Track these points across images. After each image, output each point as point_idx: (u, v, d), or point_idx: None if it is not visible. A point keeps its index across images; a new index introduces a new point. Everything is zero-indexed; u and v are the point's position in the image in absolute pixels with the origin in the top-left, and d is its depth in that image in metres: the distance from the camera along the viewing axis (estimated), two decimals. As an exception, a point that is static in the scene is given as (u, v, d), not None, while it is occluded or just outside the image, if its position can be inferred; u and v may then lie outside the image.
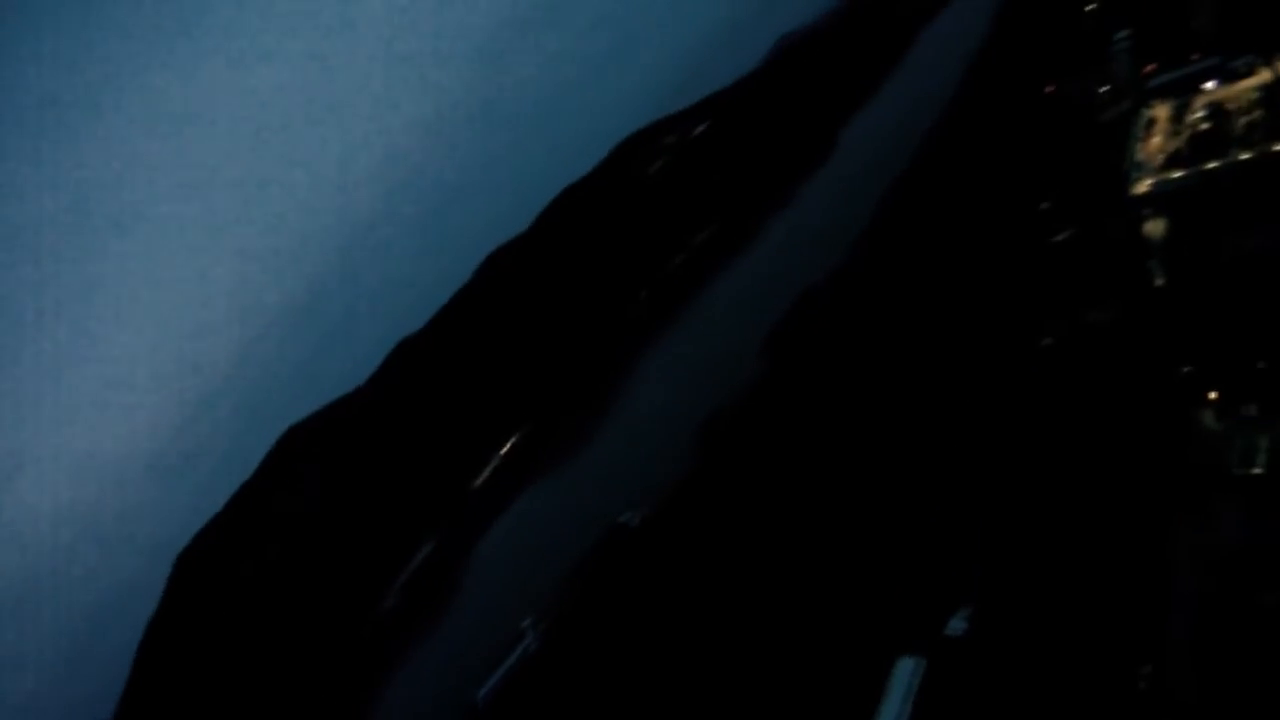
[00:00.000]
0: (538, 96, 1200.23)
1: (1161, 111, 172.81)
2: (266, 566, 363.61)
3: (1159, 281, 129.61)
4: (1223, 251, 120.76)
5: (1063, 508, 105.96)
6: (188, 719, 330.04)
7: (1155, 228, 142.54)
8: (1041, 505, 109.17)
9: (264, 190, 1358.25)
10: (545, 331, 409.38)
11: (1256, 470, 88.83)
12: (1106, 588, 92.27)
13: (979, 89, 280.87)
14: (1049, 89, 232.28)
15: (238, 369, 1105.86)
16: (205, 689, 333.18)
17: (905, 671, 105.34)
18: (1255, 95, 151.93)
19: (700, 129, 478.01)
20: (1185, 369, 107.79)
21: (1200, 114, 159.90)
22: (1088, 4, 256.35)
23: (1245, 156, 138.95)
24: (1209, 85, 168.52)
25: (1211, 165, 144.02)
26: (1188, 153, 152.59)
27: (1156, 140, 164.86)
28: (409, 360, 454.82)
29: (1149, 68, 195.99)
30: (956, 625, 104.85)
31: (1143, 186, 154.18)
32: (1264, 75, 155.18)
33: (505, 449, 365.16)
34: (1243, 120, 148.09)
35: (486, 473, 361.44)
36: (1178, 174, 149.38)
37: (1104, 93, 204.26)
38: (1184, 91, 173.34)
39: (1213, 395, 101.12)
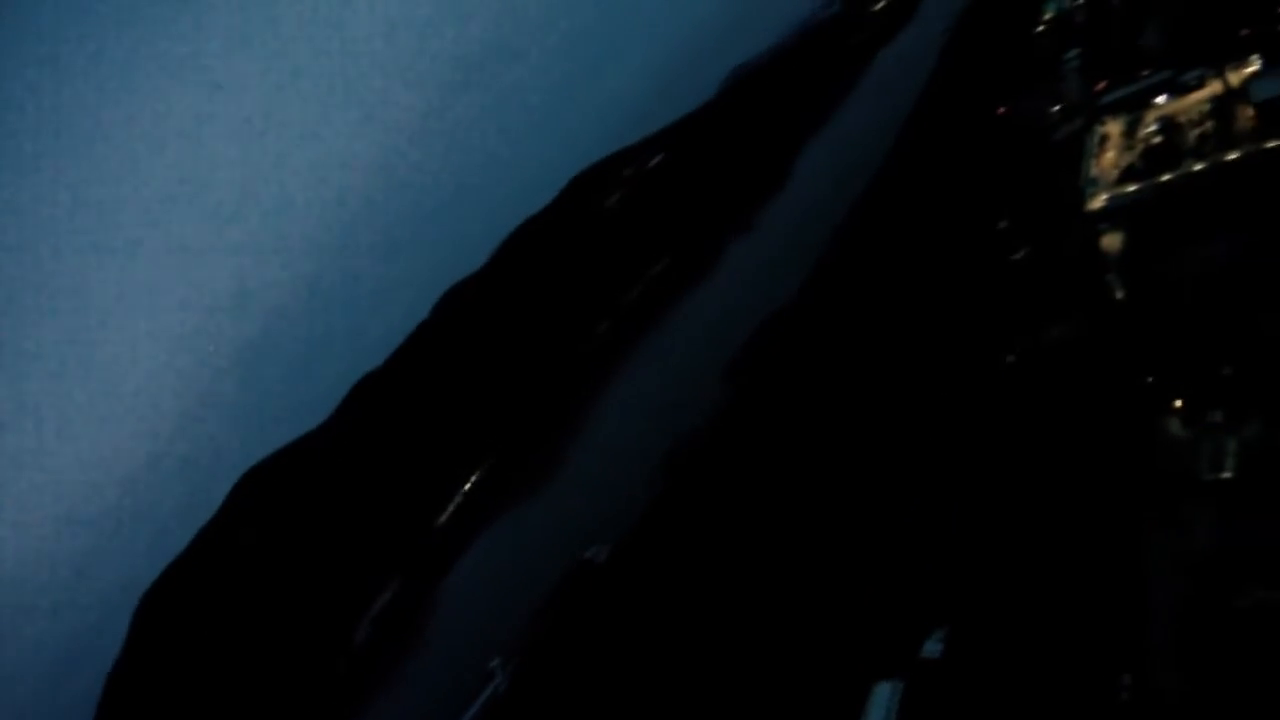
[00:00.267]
0: (492, 132, 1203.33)
1: (1114, 127, 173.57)
2: (229, 610, 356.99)
3: (1118, 294, 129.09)
4: (1181, 261, 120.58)
5: (1033, 523, 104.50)
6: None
7: (1112, 242, 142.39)
8: (1012, 522, 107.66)
9: (217, 229, 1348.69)
10: (505, 366, 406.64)
11: (1226, 475, 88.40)
12: (1081, 600, 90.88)
13: (932, 113, 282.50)
14: (1002, 110, 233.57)
15: (195, 410, 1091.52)
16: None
17: (883, 696, 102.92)
18: (1206, 107, 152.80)
19: (656, 161, 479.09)
20: (1149, 379, 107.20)
21: (1152, 128, 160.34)
22: (1038, 25, 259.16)
23: (1198, 167, 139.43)
24: (1160, 100, 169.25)
25: (1165, 178, 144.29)
26: (1141, 166, 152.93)
27: (1110, 156, 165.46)
28: (369, 398, 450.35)
29: (1100, 85, 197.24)
30: (932, 647, 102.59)
31: (1098, 202, 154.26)
32: (1214, 87, 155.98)
33: (468, 485, 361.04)
34: (1195, 132, 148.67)
35: (450, 510, 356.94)
36: (1132, 188, 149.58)
37: (1056, 112, 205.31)
38: (1136, 107, 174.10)
39: (1178, 403, 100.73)
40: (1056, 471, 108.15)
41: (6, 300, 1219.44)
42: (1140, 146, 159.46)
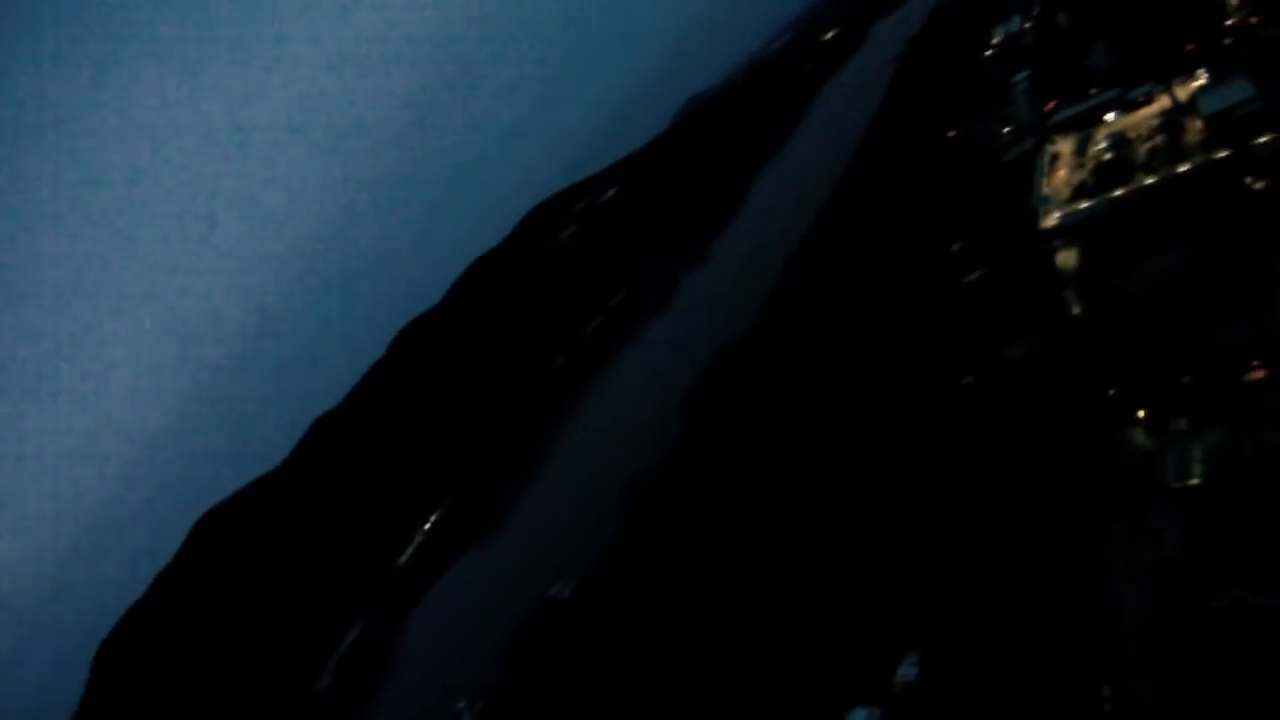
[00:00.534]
0: (446, 168, 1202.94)
1: (1065, 146, 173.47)
2: (190, 656, 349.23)
3: (1075, 310, 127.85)
4: (1136, 274, 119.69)
5: (1002, 542, 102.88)
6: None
7: (1067, 258, 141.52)
8: (981, 542, 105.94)
9: (174, 270, 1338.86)
10: (464, 403, 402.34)
11: (1193, 481, 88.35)
12: (1055, 614, 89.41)
13: (884, 138, 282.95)
14: (953, 133, 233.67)
15: (152, 451, 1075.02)
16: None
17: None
18: (1155, 122, 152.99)
19: (610, 194, 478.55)
20: (1111, 392, 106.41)
21: (1103, 145, 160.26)
22: (987, 49, 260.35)
23: (1150, 181, 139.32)
24: (1110, 117, 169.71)
25: (1118, 193, 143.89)
26: (1093, 183, 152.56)
27: (1062, 174, 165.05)
28: (327, 437, 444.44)
29: (1050, 105, 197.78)
30: (906, 671, 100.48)
31: (1051, 220, 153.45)
32: (1162, 102, 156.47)
33: (429, 524, 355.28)
34: (1145, 147, 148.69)
35: (411, 549, 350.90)
36: (1085, 204, 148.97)
37: (1007, 133, 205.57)
38: (1086, 125, 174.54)
39: (1141, 414, 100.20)
40: (1023, 486, 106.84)
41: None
42: (1091, 163, 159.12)
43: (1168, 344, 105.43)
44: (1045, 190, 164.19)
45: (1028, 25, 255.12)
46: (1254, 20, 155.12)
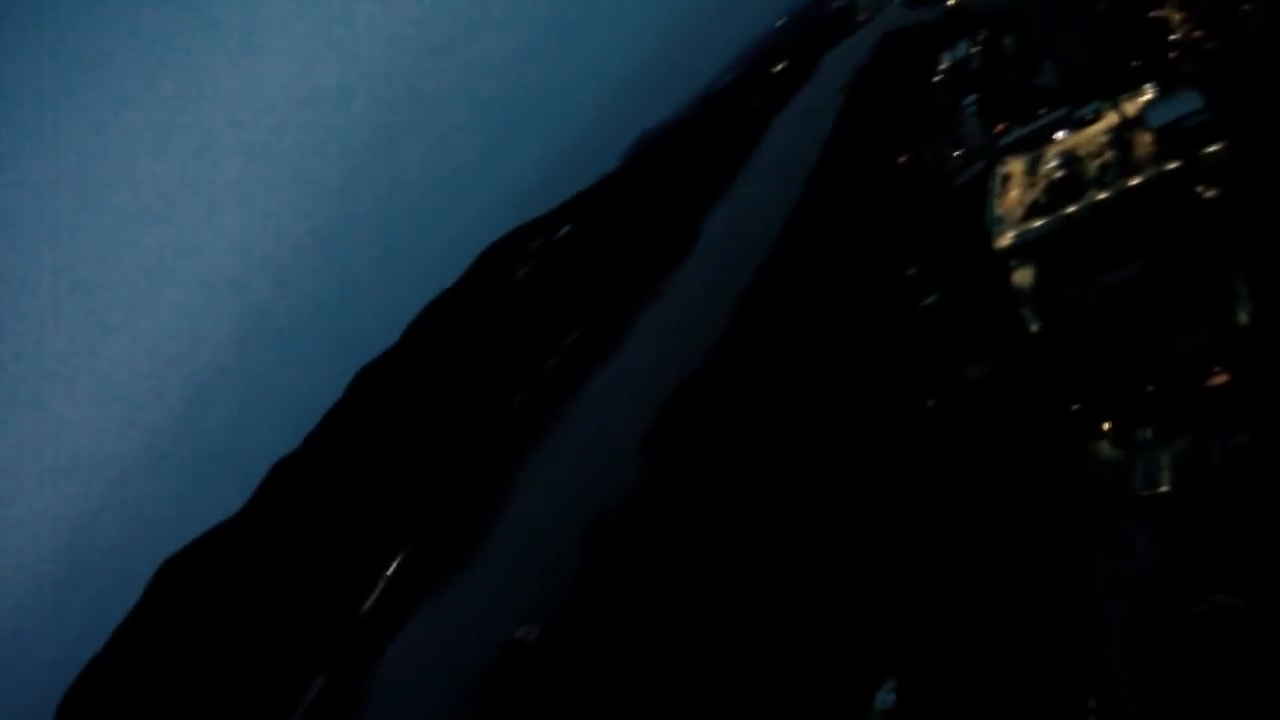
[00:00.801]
0: (397, 210, 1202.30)
1: (1016, 166, 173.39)
2: (151, 710, 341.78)
3: (1034, 327, 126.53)
4: (1093, 288, 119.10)
5: (975, 562, 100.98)
6: None
7: (1023, 277, 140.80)
8: (954, 563, 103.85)
9: (124, 319, 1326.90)
10: (422, 445, 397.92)
11: (1163, 489, 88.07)
12: (1034, 631, 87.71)
13: (836, 167, 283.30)
14: (904, 159, 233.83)
15: (106, 500, 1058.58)
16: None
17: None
18: (1105, 138, 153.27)
19: (564, 231, 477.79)
20: (1075, 406, 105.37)
21: (1054, 163, 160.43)
22: (935, 75, 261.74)
23: (1102, 196, 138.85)
24: (1059, 135, 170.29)
25: (1070, 209, 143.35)
26: (1046, 201, 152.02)
27: (1014, 194, 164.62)
28: (285, 483, 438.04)
29: (1000, 127, 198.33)
30: (885, 698, 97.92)
31: (1006, 239, 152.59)
32: (1111, 118, 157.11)
33: (392, 569, 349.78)
34: (1095, 163, 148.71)
35: (375, 595, 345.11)
36: (1039, 223, 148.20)
37: (958, 156, 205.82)
38: (1036, 144, 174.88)
39: (1107, 426, 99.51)
40: (992, 505, 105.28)
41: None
42: (1043, 182, 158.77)
43: (1129, 355, 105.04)
44: (998, 211, 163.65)
45: (975, 50, 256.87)
46: (1198, 34, 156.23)
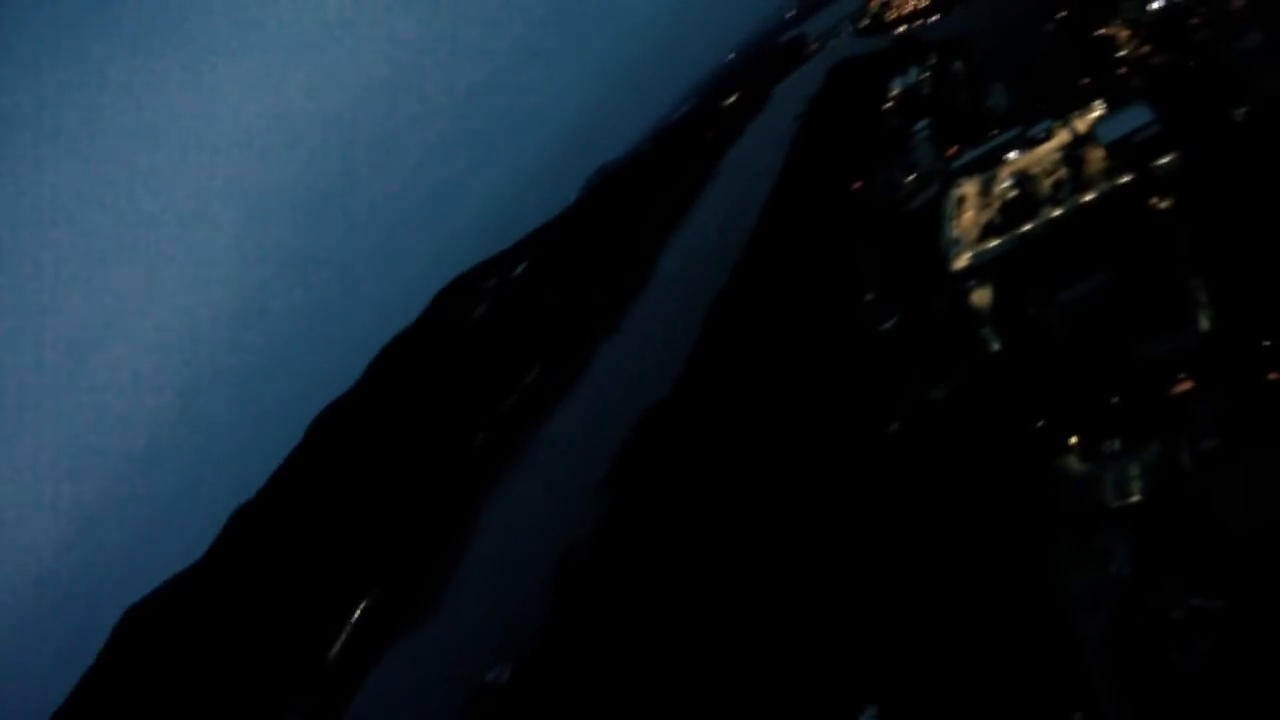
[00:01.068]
0: (354, 251, 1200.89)
1: (970, 188, 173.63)
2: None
3: (995, 346, 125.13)
4: (1051, 304, 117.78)
5: (951, 584, 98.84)
6: None
7: (982, 297, 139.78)
8: (929, 587, 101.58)
9: (81, 363, 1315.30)
10: (385, 487, 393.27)
11: (1134, 499, 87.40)
12: (1015, 650, 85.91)
13: (790, 196, 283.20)
14: (856, 186, 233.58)
15: (68, 548, 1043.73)
16: None
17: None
18: (1057, 156, 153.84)
19: (521, 268, 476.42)
20: (1040, 423, 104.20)
21: (1007, 183, 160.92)
22: (886, 102, 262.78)
23: (1057, 213, 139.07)
24: (1012, 155, 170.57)
25: (1026, 228, 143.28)
26: (1001, 221, 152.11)
27: (969, 215, 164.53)
28: (246, 530, 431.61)
29: (952, 150, 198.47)
30: None
31: (962, 261, 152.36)
32: (1062, 136, 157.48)
33: (358, 613, 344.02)
34: (1048, 181, 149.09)
35: (342, 640, 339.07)
36: (994, 242, 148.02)
37: (911, 181, 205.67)
38: (989, 166, 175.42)
39: (1074, 440, 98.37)
40: (963, 526, 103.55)
41: None
42: (997, 202, 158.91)
43: (1092, 368, 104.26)
44: (954, 233, 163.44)
45: (925, 75, 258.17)
46: (1146, 49, 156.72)
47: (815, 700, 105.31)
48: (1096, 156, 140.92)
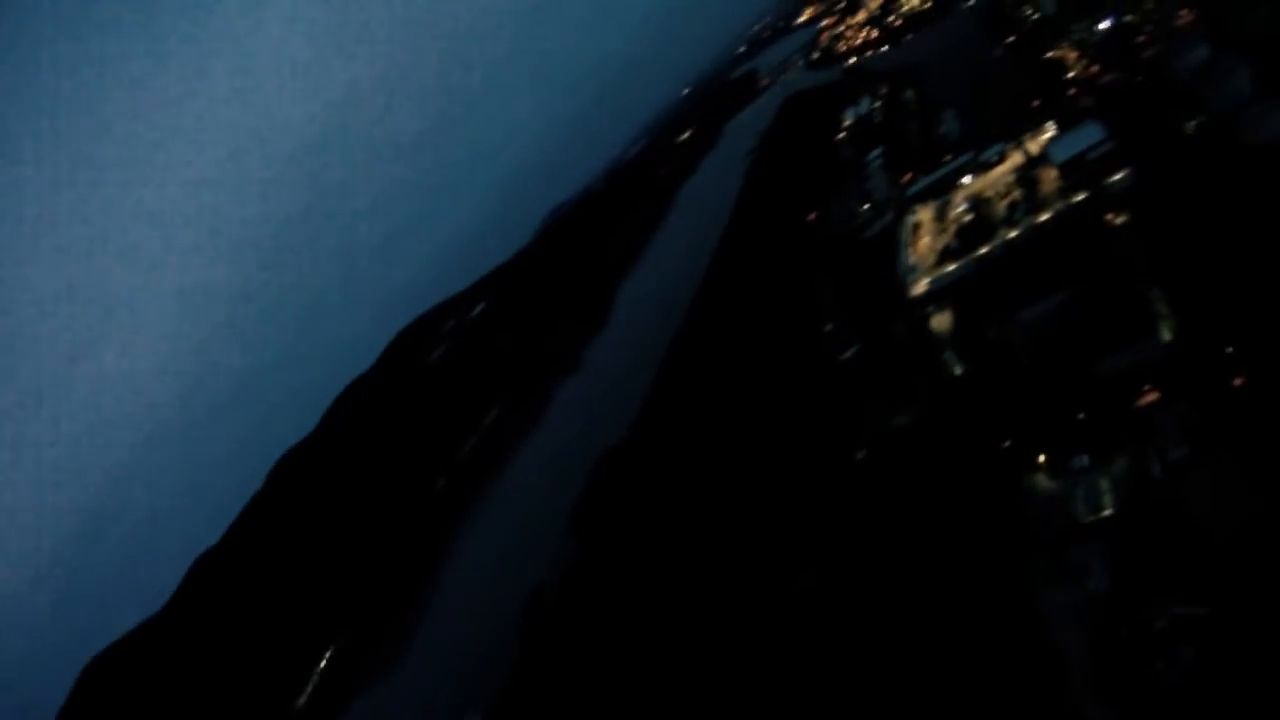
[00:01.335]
0: (309, 295, 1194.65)
1: (925, 214, 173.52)
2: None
3: (957, 370, 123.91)
4: (1013, 324, 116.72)
5: (929, 612, 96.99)
6: None
7: (941, 321, 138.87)
8: (907, 617, 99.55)
9: (38, 408, 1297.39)
10: (347, 533, 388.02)
11: (1106, 512, 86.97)
12: (998, 672, 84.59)
13: (745, 230, 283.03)
14: (811, 217, 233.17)
15: (27, 601, 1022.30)
16: None
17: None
18: (1011, 178, 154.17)
19: (478, 309, 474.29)
20: (1007, 443, 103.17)
21: (962, 207, 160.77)
22: (839, 132, 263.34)
23: (1013, 234, 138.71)
24: (966, 179, 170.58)
25: (983, 251, 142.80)
26: (957, 245, 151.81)
27: (925, 241, 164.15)
28: (208, 578, 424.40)
29: (906, 177, 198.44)
30: None
31: (920, 287, 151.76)
32: (1015, 158, 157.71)
33: (325, 662, 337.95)
34: (1003, 203, 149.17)
35: (309, 690, 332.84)
36: (952, 267, 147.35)
37: (866, 209, 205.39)
38: (943, 191, 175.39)
39: (1042, 459, 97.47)
40: (935, 551, 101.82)
41: None
42: (953, 227, 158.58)
43: (1056, 386, 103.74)
44: (911, 259, 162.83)
45: (877, 105, 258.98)
46: (1094, 69, 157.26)
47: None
48: (1050, 176, 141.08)
